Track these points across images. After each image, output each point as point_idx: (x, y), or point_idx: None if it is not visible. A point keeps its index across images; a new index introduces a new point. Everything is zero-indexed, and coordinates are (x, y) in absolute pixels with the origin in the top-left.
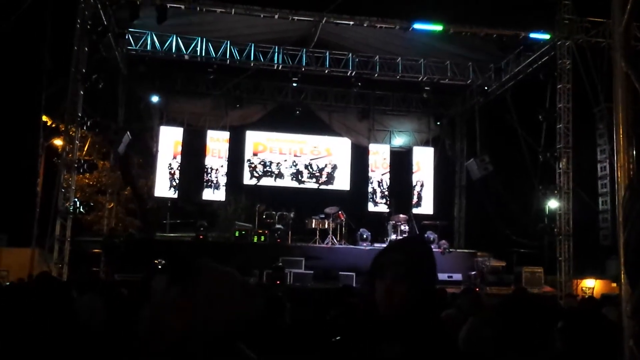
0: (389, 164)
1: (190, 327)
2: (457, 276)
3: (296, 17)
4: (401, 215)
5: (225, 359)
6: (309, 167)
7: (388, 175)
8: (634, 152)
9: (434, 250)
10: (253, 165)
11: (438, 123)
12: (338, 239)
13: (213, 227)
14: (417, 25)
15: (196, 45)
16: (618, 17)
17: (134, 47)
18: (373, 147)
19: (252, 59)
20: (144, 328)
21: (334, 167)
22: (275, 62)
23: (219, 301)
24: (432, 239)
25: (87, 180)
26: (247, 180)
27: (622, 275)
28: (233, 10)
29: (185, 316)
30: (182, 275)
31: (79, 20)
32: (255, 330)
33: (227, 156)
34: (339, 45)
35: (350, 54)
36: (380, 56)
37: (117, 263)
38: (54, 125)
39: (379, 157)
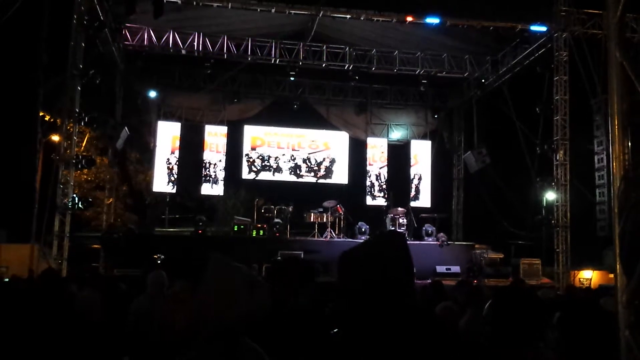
0: (386, 158)
1: (192, 320)
2: (455, 268)
3: (293, 11)
4: (399, 209)
5: (230, 351)
6: (307, 161)
7: (386, 168)
8: (629, 143)
9: (431, 242)
10: (251, 160)
11: (435, 116)
12: (336, 232)
13: (212, 221)
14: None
15: (193, 40)
16: (613, 8)
17: (131, 42)
18: (371, 141)
19: (249, 53)
20: (134, 320)
21: (332, 161)
22: (273, 56)
23: (222, 296)
24: (430, 231)
25: (85, 176)
26: (246, 174)
27: (618, 266)
28: (230, 4)
29: (187, 310)
30: (183, 270)
31: (75, 16)
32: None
33: (225, 151)
34: (336, 39)
35: (348, 48)
36: (377, 49)
37: (116, 258)
38: (52, 120)
39: (377, 151)
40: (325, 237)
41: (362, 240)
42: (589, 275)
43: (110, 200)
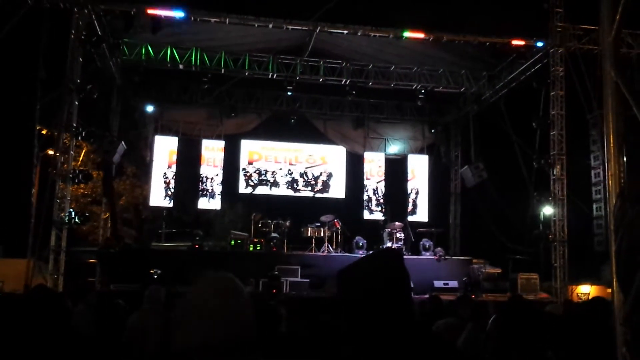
0: (384, 172)
1: (169, 338)
2: (453, 283)
3: (290, 27)
4: (397, 223)
5: None
6: (305, 175)
7: (383, 183)
8: (625, 161)
9: (429, 257)
10: (248, 174)
11: (432, 131)
12: (334, 247)
13: (209, 236)
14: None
15: (191, 55)
16: (607, 27)
17: (129, 57)
18: (368, 155)
19: (246, 68)
20: (129, 336)
21: (329, 176)
22: (270, 71)
23: (194, 311)
24: (427, 246)
25: (82, 190)
26: (243, 189)
27: (615, 283)
28: (227, 20)
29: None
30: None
31: (73, 31)
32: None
33: (222, 165)
34: (333, 54)
35: (345, 63)
36: (374, 64)
37: (112, 273)
38: (49, 134)
39: (374, 165)
40: (323, 251)
41: (359, 255)
42: (586, 290)
43: (107, 214)
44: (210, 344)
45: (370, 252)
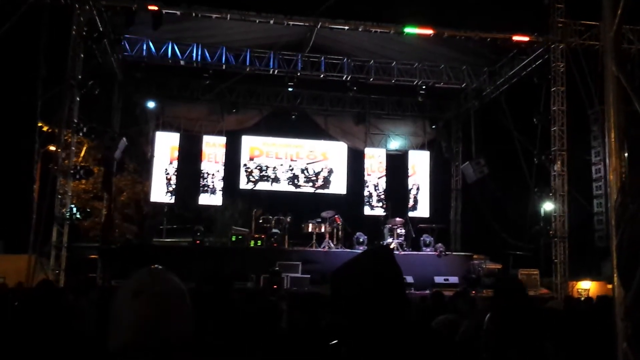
0: (384, 168)
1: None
2: (454, 279)
3: (291, 22)
4: (397, 219)
5: None
6: (305, 171)
7: (384, 178)
8: (626, 155)
9: (430, 253)
10: (249, 170)
11: (433, 126)
12: (335, 242)
13: (210, 232)
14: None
15: (192, 51)
16: (609, 22)
17: (130, 53)
18: (369, 151)
19: (247, 64)
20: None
21: (330, 171)
22: (271, 67)
23: (113, 311)
24: (428, 242)
25: (83, 186)
26: (244, 184)
27: (615, 278)
28: (228, 15)
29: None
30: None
31: (74, 27)
32: (252, 335)
33: (223, 161)
34: (334, 50)
35: (346, 59)
36: (375, 60)
37: (113, 269)
38: (50, 131)
39: (375, 161)
40: (324, 247)
41: (360, 251)
42: (587, 286)
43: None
44: (128, 347)
45: (361, 251)
